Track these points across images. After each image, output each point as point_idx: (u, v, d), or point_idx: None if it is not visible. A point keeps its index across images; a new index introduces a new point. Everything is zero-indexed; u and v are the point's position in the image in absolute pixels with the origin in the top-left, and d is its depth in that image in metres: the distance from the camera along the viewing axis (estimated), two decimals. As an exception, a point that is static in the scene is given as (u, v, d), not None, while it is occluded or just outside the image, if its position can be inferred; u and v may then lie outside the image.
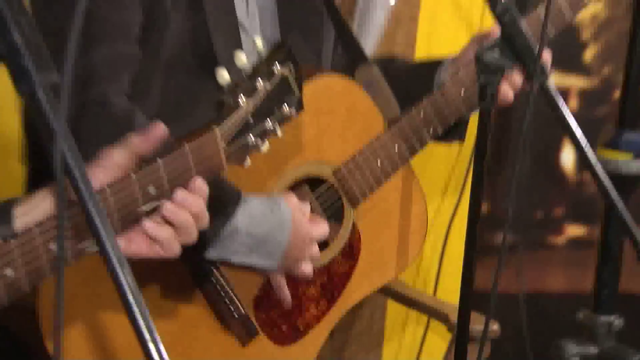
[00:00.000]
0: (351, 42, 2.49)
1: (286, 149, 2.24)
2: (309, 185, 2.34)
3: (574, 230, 3.95)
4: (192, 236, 1.77)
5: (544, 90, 2.21)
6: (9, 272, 1.58)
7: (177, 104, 2.16)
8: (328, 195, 2.35)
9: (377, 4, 3.35)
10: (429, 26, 3.45)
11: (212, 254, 2.09)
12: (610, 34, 3.73)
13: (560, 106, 2.24)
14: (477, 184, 2.27)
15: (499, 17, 2.17)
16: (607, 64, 3.78)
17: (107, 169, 1.68)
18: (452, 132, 2.47)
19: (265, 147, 1.83)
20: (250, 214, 2.10)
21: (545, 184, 3.82)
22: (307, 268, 2.19)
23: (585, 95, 3.80)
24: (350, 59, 2.47)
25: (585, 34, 3.74)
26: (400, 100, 2.43)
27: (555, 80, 3.71)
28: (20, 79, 1.36)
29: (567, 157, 3.85)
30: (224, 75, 1.74)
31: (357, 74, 2.43)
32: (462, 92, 2.40)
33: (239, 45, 2.19)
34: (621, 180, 3.15)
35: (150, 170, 1.69)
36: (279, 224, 2.12)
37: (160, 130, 1.71)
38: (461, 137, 2.53)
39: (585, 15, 3.61)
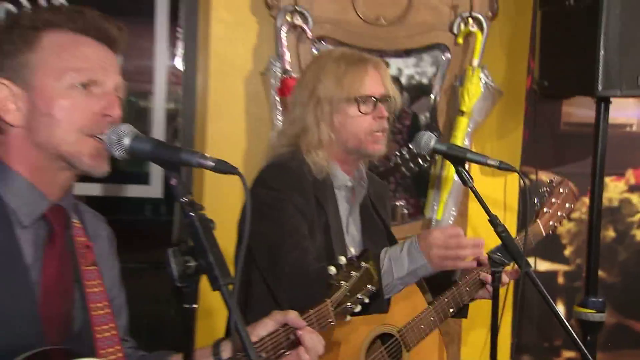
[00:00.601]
0: None
1: (374, 319, 2.11)
2: (382, 338, 2.18)
3: (568, 354, 3.61)
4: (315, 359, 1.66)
5: (529, 276, 2.07)
6: None
7: None
8: (394, 344, 2.19)
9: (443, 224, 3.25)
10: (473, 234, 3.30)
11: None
12: (579, 240, 3.54)
13: (538, 284, 2.09)
14: (494, 331, 2.11)
15: (500, 234, 2.09)
16: (578, 257, 3.57)
17: (269, 325, 1.62)
18: (460, 312, 2.33)
19: (357, 309, 1.76)
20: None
21: (549, 325, 3.53)
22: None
23: (567, 275, 3.58)
24: None
25: (565, 240, 3.56)
26: (432, 291, 2.32)
27: (548, 266, 3.54)
28: (213, 281, 1.32)
29: (561, 309, 3.57)
30: (332, 270, 1.73)
31: None
32: (467, 287, 2.31)
33: (345, 253, 2.14)
34: (590, 325, 3.00)
35: (290, 327, 1.65)
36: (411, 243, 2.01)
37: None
38: (464, 316, 2.38)
39: (563, 230, 3.48)
